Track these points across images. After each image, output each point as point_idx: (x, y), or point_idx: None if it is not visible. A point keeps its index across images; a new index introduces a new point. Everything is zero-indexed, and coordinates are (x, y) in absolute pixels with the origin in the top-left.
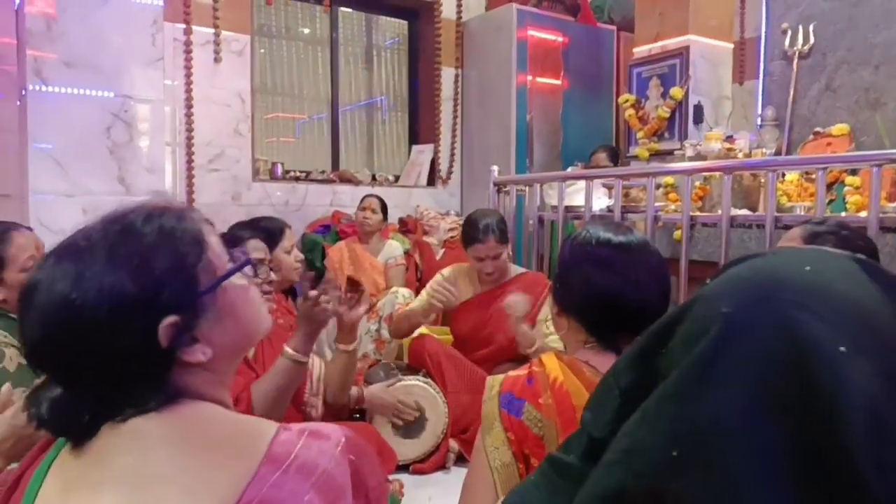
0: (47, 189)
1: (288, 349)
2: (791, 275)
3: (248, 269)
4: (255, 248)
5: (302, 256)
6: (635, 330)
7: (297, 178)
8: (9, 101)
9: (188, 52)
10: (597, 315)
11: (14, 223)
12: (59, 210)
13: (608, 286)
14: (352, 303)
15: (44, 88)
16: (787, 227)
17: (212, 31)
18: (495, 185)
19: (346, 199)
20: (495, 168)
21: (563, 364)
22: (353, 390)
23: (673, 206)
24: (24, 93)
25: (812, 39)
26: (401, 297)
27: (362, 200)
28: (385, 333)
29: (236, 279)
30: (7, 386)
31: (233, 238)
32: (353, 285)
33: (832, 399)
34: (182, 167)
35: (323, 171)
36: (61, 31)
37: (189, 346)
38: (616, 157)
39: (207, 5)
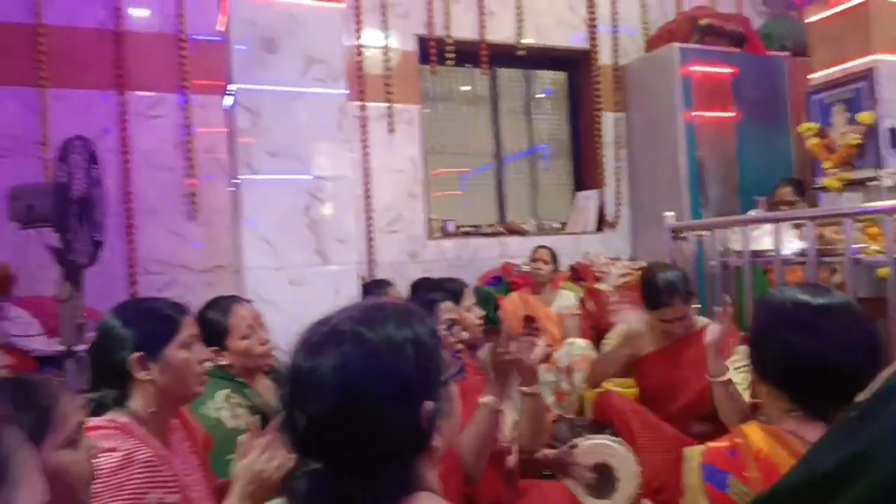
0: (259, 264)
1: (484, 399)
2: None
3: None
4: (448, 309)
5: (482, 312)
6: (841, 396)
7: (466, 234)
8: (219, 184)
9: (364, 126)
10: (798, 381)
11: (236, 296)
12: (269, 281)
13: (809, 350)
14: (528, 344)
15: (252, 176)
16: None
17: (385, 105)
18: (671, 231)
19: (515, 249)
20: (670, 214)
21: (767, 435)
22: (540, 452)
23: (875, 247)
24: (236, 181)
25: None
26: (577, 349)
27: (533, 252)
28: (564, 385)
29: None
30: (247, 436)
31: (427, 301)
32: (529, 322)
33: None
34: (363, 232)
35: (490, 225)
36: (265, 126)
37: (435, 432)
38: (802, 189)
39: (380, 83)
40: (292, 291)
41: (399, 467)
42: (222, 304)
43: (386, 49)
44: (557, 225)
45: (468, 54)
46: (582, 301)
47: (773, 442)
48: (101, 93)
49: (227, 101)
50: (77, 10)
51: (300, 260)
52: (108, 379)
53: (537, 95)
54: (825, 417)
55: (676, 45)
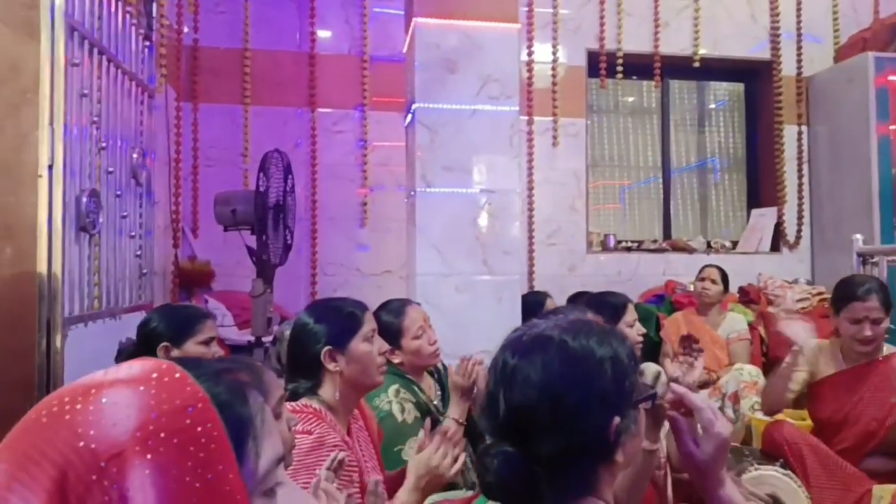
0: (429, 270)
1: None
2: None
3: None
4: None
5: (643, 330)
6: None
7: (628, 249)
8: (391, 194)
9: (530, 140)
10: None
11: (408, 300)
12: (438, 288)
13: None
14: (686, 364)
15: (428, 190)
16: None
17: (550, 119)
18: (859, 255)
19: (680, 267)
20: (859, 237)
21: None
22: None
23: None
24: (412, 193)
25: None
26: (746, 375)
27: (701, 270)
28: (729, 412)
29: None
30: (425, 431)
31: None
32: (688, 341)
33: None
34: (524, 243)
35: (655, 241)
36: (441, 142)
37: (619, 447)
38: None
39: (547, 97)
40: (458, 298)
41: (581, 470)
42: (396, 306)
43: (554, 63)
44: (727, 243)
45: (639, 66)
46: (752, 325)
47: None
48: (296, 110)
49: (406, 119)
50: (278, 36)
51: (467, 268)
52: (303, 370)
53: (710, 107)
54: None
55: (871, 53)
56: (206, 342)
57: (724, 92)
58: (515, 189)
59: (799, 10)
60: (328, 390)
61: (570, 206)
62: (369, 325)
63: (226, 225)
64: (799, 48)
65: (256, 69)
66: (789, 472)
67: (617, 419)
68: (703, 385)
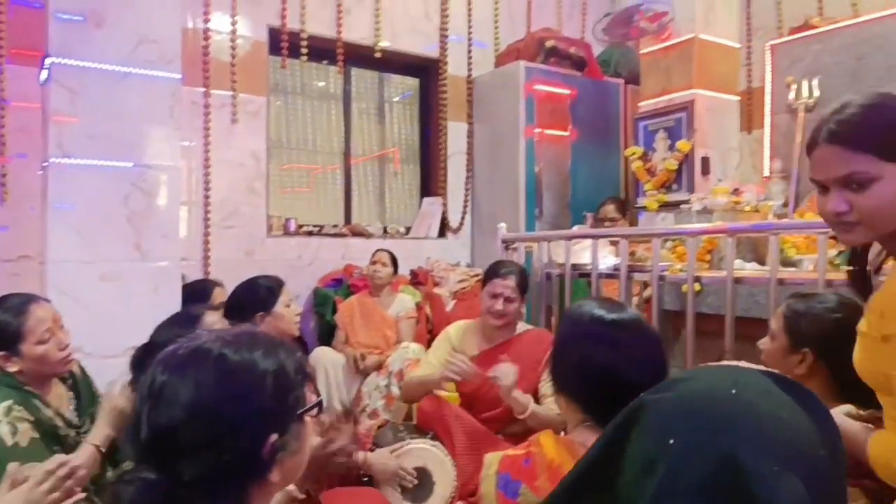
0: (66, 257)
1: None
2: (722, 401)
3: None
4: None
5: (300, 310)
6: None
7: (309, 233)
8: (33, 165)
9: (206, 114)
10: (590, 392)
11: (34, 295)
12: (77, 276)
13: (601, 363)
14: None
15: (65, 160)
16: (794, 286)
17: (229, 93)
18: (503, 241)
19: (358, 252)
20: (503, 225)
21: (559, 444)
22: (360, 455)
23: (679, 266)
24: (45, 164)
25: (817, 92)
26: (411, 353)
27: (373, 254)
28: (395, 390)
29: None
30: (15, 464)
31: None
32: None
33: None
34: (199, 225)
35: (335, 225)
36: (84, 106)
37: (274, 466)
38: (624, 208)
39: (226, 69)
40: (103, 288)
41: (231, 491)
42: (15, 304)
43: (233, 36)
44: (402, 229)
45: (323, 51)
46: (419, 305)
47: (563, 451)
48: None
49: (42, 75)
50: None
51: (115, 254)
52: None
53: (394, 99)
54: None
55: (523, 62)
56: None
57: (404, 85)
58: (177, 165)
59: (470, 14)
60: None
61: (249, 188)
62: None
63: None
64: (469, 51)
65: None
66: (438, 443)
67: (274, 436)
68: (378, 367)
